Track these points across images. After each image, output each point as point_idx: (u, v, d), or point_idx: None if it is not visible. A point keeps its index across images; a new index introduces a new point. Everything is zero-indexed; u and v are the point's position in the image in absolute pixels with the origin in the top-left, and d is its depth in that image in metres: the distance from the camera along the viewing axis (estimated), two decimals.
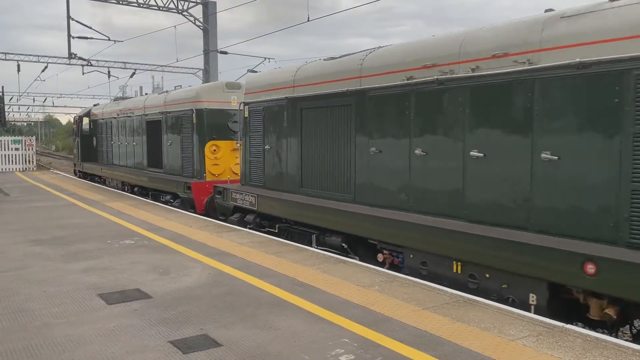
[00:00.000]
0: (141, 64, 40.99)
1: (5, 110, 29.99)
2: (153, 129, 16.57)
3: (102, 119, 21.98)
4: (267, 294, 6.02)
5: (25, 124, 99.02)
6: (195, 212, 12.98)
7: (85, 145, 23.50)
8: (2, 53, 38.97)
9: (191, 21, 30.45)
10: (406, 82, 7.47)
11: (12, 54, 38.58)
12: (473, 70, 6.59)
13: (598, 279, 5.10)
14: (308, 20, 17.70)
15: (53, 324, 5.15)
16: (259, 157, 10.98)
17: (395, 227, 7.43)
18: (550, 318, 5.29)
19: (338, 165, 8.86)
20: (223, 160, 13.81)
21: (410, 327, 4.95)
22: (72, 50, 28.13)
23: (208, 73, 31.24)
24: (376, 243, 8.01)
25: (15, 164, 27.26)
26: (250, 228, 10.60)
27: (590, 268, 5.15)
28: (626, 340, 4.77)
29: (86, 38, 27.24)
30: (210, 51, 30.27)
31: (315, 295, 5.94)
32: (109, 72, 38.47)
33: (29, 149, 27.76)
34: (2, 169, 26.63)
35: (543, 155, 5.81)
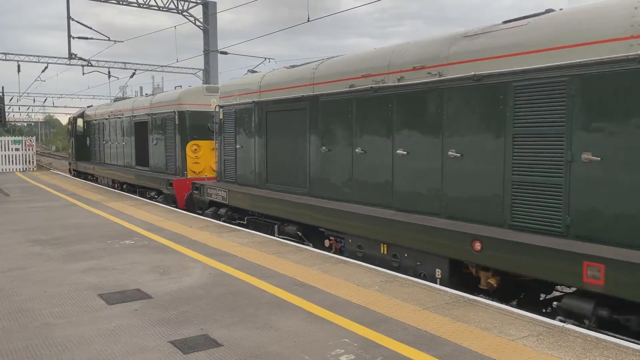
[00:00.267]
0: (141, 64, 41.01)
1: (6, 110, 30.05)
2: (140, 129, 17.55)
3: (95, 120, 22.96)
4: (267, 294, 6.03)
5: (25, 124, 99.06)
6: (177, 207, 13.88)
7: (79, 145, 24.58)
8: (2, 53, 38.97)
9: (191, 21, 30.47)
10: (349, 89, 8.57)
11: (13, 54, 38.59)
12: (399, 80, 7.68)
13: (483, 255, 6.17)
14: (308, 21, 17.71)
15: (53, 324, 5.15)
16: (232, 155, 12.03)
17: (337, 216, 8.50)
18: (453, 289, 6.24)
19: (296, 162, 9.91)
20: (203, 159, 14.71)
21: (411, 327, 4.95)
22: (72, 51, 28.15)
23: (208, 73, 31.25)
24: (324, 230, 9.02)
25: (16, 164, 27.27)
26: (223, 220, 11.61)
27: (477, 245, 6.21)
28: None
29: (86, 38, 27.25)
30: (210, 51, 30.29)
31: (315, 296, 5.94)
32: (109, 72, 38.48)
33: (29, 149, 27.77)
34: (2, 169, 26.64)
35: (450, 153, 6.94)
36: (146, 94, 23.50)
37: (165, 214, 12.34)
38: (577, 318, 5.39)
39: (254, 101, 11.08)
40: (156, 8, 29.55)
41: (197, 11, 30.79)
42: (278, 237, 9.82)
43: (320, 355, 4.36)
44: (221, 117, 12.33)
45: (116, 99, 24.82)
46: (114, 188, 19.02)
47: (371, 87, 8.09)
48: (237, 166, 11.86)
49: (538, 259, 5.61)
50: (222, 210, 11.92)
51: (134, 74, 37.89)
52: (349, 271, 7.01)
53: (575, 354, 4.31)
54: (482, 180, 6.55)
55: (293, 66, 10.57)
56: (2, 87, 25.47)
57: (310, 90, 9.43)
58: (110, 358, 4.34)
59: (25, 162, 27.60)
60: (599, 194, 5.45)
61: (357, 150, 8.41)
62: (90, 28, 26.60)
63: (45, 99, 65.86)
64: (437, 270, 6.87)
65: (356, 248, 8.22)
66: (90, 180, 22.35)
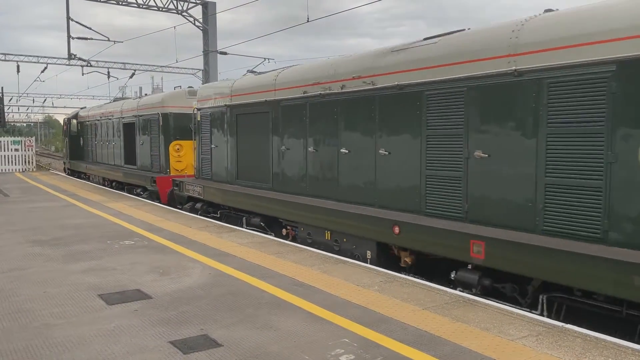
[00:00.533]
0: (141, 65, 40.98)
1: (5, 111, 30.03)
2: (128, 130, 18.65)
3: (88, 121, 24.10)
4: (267, 295, 6.03)
5: (24, 124, 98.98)
6: (160, 203, 14.90)
7: (73, 145, 25.81)
8: (1, 54, 38.95)
9: (191, 22, 30.45)
10: (303, 95, 9.58)
11: (12, 54, 38.58)
12: (342, 87, 8.68)
13: (401, 237, 7.35)
14: (308, 21, 17.71)
15: (53, 324, 5.15)
16: (208, 154, 13.06)
17: (291, 207, 9.62)
18: (382, 268, 7.22)
19: (262, 160, 10.93)
20: (185, 158, 15.59)
21: (410, 327, 4.96)
22: (71, 51, 28.13)
23: (207, 73, 31.23)
24: (283, 221, 10.16)
25: (15, 164, 27.26)
26: (199, 214, 12.69)
27: (396, 229, 7.36)
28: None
29: (86, 39, 27.21)
30: (209, 52, 30.28)
31: (315, 296, 5.95)
32: (108, 72, 38.45)
33: (28, 150, 27.76)
34: (1, 170, 26.63)
35: (380, 151, 7.99)
36: (146, 94, 23.89)
37: (165, 214, 12.35)
38: (468, 287, 6.48)
39: (226, 104, 12.08)
40: (156, 8, 29.53)
41: (197, 11, 30.80)
42: (246, 228, 10.86)
43: (320, 355, 4.36)
44: (198, 119, 13.40)
45: (115, 99, 25.07)
46: (105, 186, 20.11)
47: (320, 94, 9.16)
48: (212, 164, 12.85)
49: (440, 239, 6.80)
50: (199, 205, 12.99)
51: (133, 74, 37.88)
52: (349, 271, 7.01)
53: (574, 354, 4.32)
54: (405, 174, 7.63)
55: (260, 73, 11.77)
56: (2, 88, 25.48)
57: (272, 95, 10.45)
58: (110, 358, 4.34)
59: (25, 162, 27.59)
60: (487, 184, 6.53)
61: (310, 149, 9.49)
62: (90, 28, 26.58)
63: (45, 100, 65.88)
64: (367, 251, 8.01)
65: (306, 235, 9.37)
66: (83, 179, 23.40)
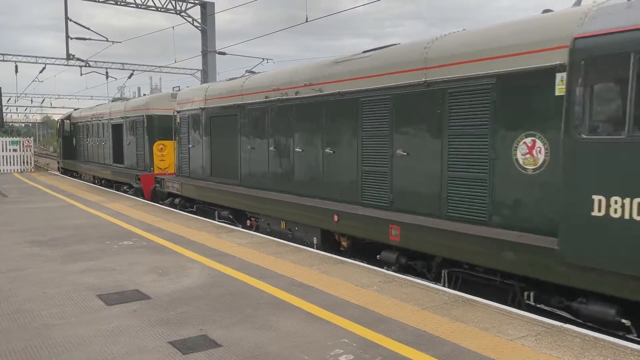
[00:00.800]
0: (139, 65, 40.88)
1: (3, 111, 29.99)
2: (117, 131, 19.77)
3: (80, 122, 25.22)
4: (266, 295, 6.03)
5: (23, 125, 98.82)
6: (144, 199, 15.86)
7: (66, 145, 27.05)
8: (0, 54, 38.87)
9: (189, 22, 30.44)
10: (264, 100, 10.71)
11: (10, 54, 38.41)
12: (296, 93, 9.80)
13: (339, 225, 8.42)
14: (306, 21, 17.71)
15: (52, 324, 5.15)
16: (186, 154, 14.22)
17: (254, 201, 10.73)
18: (325, 252, 8.23)
19: (231, 159, 12.05)
20: (168, 157, 16.54)
21: (410, 327, 4.96)
22: (70, 51, 28.09)
23: (206, 74, 31.23)
24: (248, 213, 11.29)
25: (13, 165, 27.21)
26: (179, 208, 13.72)
27: (336, 218, 8.44)
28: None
29: (84, 39, 27.20)
30: (208, 52, 30.27)
31: (314, 296, 5.95)
32: (107, 73, 38.34)
33: (26, 150, 27.72)
34: (0, 170, 26.58)
35: (326, 150, 9.13)
36: (144, 94, 24.36)
37: (164, 214, 12.34)
38: (389, 265, 7.56)
39: (201, 108, 13.26)
40: (154, 9, 29.52)
41: (195, 12, 30.81)
42: (218, 221, 11.80)
43: (320, 356, 4.36)
44: (178, 120, 14.56)
45: (114, 100, 25.15)
46: (95, 184, 21.24)
47: (278, 99, 10.31)
48: (190, 162, 14.05)
49: (367, 225, 7.91)
50: (177, 200, 14.19)
51: (131, 74, 37.81)
52: (348, 271, 7.02)
53: (573, 354, 4.33)
54: (346, 170, 8.77)
55: (232, 78, 12.82)
56: (0, 88, 25.38)
57: (240, 100, 11.58)
58: (110, 359, 4.34)
59: (23, 162, 27.54)
60: (407, 178, 7.68)
61: (271, 148, 10.63)
62: (88, 29, 26.58)
63: (43, 100, 65.67)
64: (314, 238, 9.09)
65: (266, 225, 10.49)
66: (75, 177, 24.48)
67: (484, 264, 6.24)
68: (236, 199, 11.30)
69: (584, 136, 5.15)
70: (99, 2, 27.99)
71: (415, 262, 7.37)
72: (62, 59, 34.10)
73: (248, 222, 11.25)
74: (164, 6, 29.47)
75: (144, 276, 6.89)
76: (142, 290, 6.24)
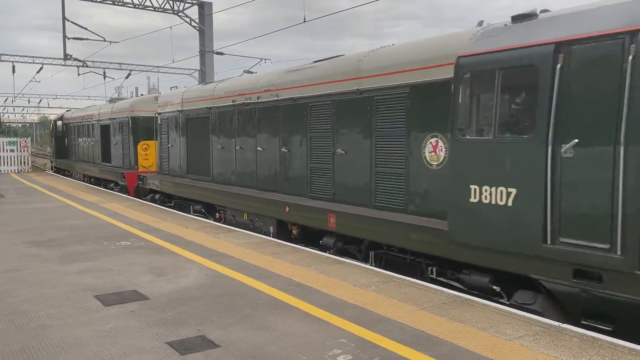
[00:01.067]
0: (137, 65, 40.78)
1: (0, 111, 29.98)
2: (105, 132, 20.86)
3: (72, 123, 26.20)
4: (264, 295, 6.03)
5: (20, 125, 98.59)
6: (129, 195, 16.82)
7: (59, 145, 28.11)
8: None
9: (187, 22, 30.38)
10: (232, 103, 11.81)
11: (7, 55, 38.28)
12: (258, 98, 10.94)
13: (290, 215, 9.52)
14: (304, 21, 17.70)
15: (50, 325, 5.14)
16: (166, 153, 15.38)
17: (222, 195, 11.83)
18: (279, 239, 9.35)
19: (204, 157, 13.15)
20: (151, 156, 17.49)
21: (408, 327, 4.96)
22: (67, 51, 28.03)
23: (204, 74, 31.17)
24: (217, 206, 12.31)
25: (11, 165, 27.14)
26: (158, 203, 14.83)
27: (287, 209, 9.52)
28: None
29: (81, 39, 27.15)
30: (206, 52, 30.24)
31: (312, 296, 5.95)
32: (104, 73, 38.24)
33: (24, 151, 27.65)
34: None
35: (282, 149, 10.24)
36: (142, 94, 24.84)
37: (161, 215, 12.32)
38: (328, 248, 8.62)
39: (178, 110, 14.38)
40: (152, 9, 29.44)
41: (193, 12, 30.74)
42: (193, 215, 12.83)
43: (318, 356, 4.36)
44: (159, 122, 15.71)
45: (111, 100, 25.39)
46: (84, 181, 22.29)
47: (243, 102, 11.40)
48: (169, 161, 15.17)
49: (311, 215, 8.97)
50: (157, 196, 15.29)
51: (129, 74, 37.73)
52: (346, 271, 7.02)
53: (571, 354, 4.33)
54: (298, 167, 9.86)
55: (206, 83, 14.13)
56: None
57: (211, 103, 12.70)
58: (107, 359, 4.33)
59: (20, 163, 27.47)
60: (345, 173, 8.79)
61: (237, 147, 11.71)
62: (86, 29, 26.54)
63: (40, 100, 65.47)
64: (270, 227, 10.24)
65: (232, 217, 11.63)
66: (67, 176, 25.54)
67: (397, 244, 7.47)
68: (208, 194, 12.39)
69: (463, 137, 6.29)
70: (96, 2, 27.91)
71: (350, 246, 8.46)
72: (59, 59, 33.98)
73: (217, 214, 12.32)
74: (162, 6, 29.40)
75: (141, 277, 6.88)
76: (140, 291, 6.23)
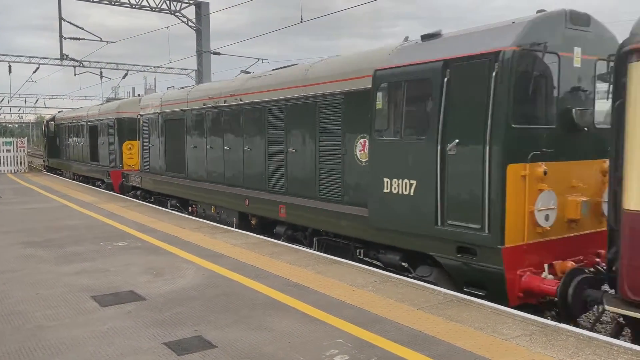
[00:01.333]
0: (133, 65, 40.69)
1: None
2: (93, 132, 21.85)
3: (63, 124, 27.06)
4: (261, 295, 6.03)
5: (16, 125, 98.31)
6: (114, 192, 17.90)
7: (51, 144, 29.08)
8: None
9: (184, 22, 30.34)
10: (203, 106, 12.89)
11: (4, 55, 38.16)
12: (224, 102, 11.98)
13: (249, 207, 10.72)
14: (301, 22, 17.71)
15: (46, 326, 5.13)
16: (147, 152, 16.43)
17: (193, 191, 13.06)
18: (241, 230, 10.47)
19: (180, 156, 14.21)
20: (135, 155, 18.42)
21: (405, 327, 4.97)
22: (64, 51, 27.97)
23: (201, 74, 31.14)
24: (190, 201, 13.48)
25: (7, 165, 27.07)
26: (139, 199, 16.00)
27: (247, 202, 10.71)
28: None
29: (78, 39, 27.07)
30: (203, 52, 30.20)
31: (309, 296, 5.95)
32: (101, 73, 38.15)
33: (20, 151, 27.58)
34: None
35: (245, 148, 11.23)
36: (139, 94, 25.27)
37: (158, 215, 12.31)
38: (280, 236, 9.79)
39: (157, 112, 15.46)
40: (148, 9, 29.39)
41: (190, 12, 30.68)
42: (170, 209, 13.92)
43: (315, 356, 4.36)
44: (141, 123, 16.77)
45: (108, 100, 25.58)
46: (73, 179, 23.54)
47: (212, 106, 12.46)
48: (150, 159, 16.20)
49: (266, 207, 10.17)
50: (138, 192, 16.49)
51: (126, 74, 37.65)
52: (343, 271, 7.02)
53: (567, 353, 4.35)
54: (257, 164, 10.88)
55: (183, 87, 15.10)
56: None
57: (186, 106, 13.77)
58: None
59: (17, 163, 27.41)
60: (295, 169, 9.80)
61: (208, 147, 12.72)
62: (82, 29, 26.46)
63: (37, 100, 65.29)
64: (234, 219, 11.31)
65: (202, 211, 12.77)
66: (58, 174, 26.60)
67: (332, 230, 8.63)
68: (182, 190, 13.67)
69: (379, 137, 7.57)
70: (93, 2, 27.85)
71: (297, 233, 9.59)
72: (56, 59, 33.92)
73: (190, 208, 13.52)
74: (159, 6, 29.36)
75: (138, 277, 6.87)
76: (137, 291, 6.23)
